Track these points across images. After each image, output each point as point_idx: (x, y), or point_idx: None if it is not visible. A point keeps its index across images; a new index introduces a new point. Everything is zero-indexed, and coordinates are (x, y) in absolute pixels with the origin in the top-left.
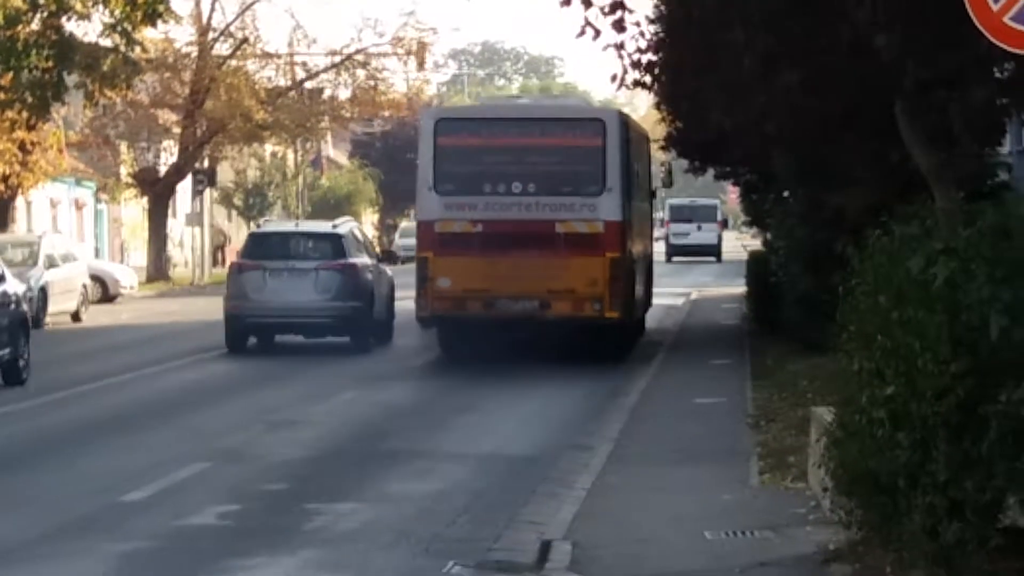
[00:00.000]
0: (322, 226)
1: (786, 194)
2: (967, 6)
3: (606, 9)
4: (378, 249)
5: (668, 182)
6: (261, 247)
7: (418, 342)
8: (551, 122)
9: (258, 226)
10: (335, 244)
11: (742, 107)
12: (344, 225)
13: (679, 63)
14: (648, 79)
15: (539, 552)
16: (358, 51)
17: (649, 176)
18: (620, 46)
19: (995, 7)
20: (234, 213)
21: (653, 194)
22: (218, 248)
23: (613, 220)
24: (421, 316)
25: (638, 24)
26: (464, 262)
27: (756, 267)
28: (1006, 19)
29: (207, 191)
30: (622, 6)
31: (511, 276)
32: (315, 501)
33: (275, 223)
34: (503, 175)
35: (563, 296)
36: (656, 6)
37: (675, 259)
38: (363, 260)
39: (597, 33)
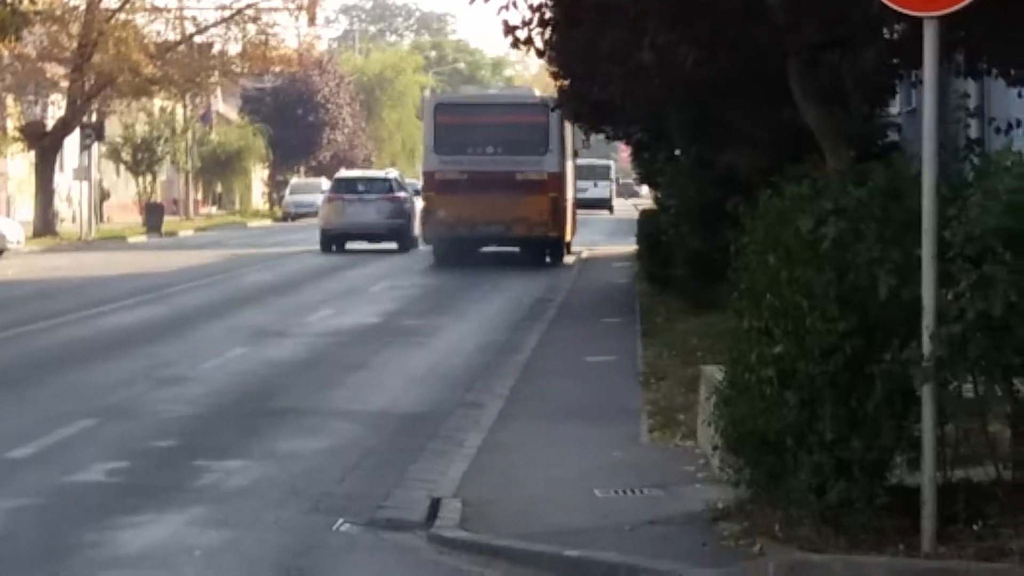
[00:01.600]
0: (379, 172)
1: (678, 153)
2: None
3: None
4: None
5: (586, 145)
6: (341, 185)
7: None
8: (510, 106)
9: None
10: (387, 184)
11: (633, 68)
12: (392, 172)
13: (570, 23)
14: (538, 39)
15: (429, 510)
16: (248, 5)
17: (573, 142)
18: (513, 5)
19: None
20: (122, 168)
21: (575, 154)
22: (99, 203)
23: (553, 171)
24: (425, 236)
25: None
26: (454, 199)
27: (647, 225)
28: None
29: (95, 146)
30: None
31: (486, 209)
32: (204, 458)
33: (348, 172)
34: (480, 140)
35: (521, 221)
36: None
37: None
38: (404, 194)
39: None
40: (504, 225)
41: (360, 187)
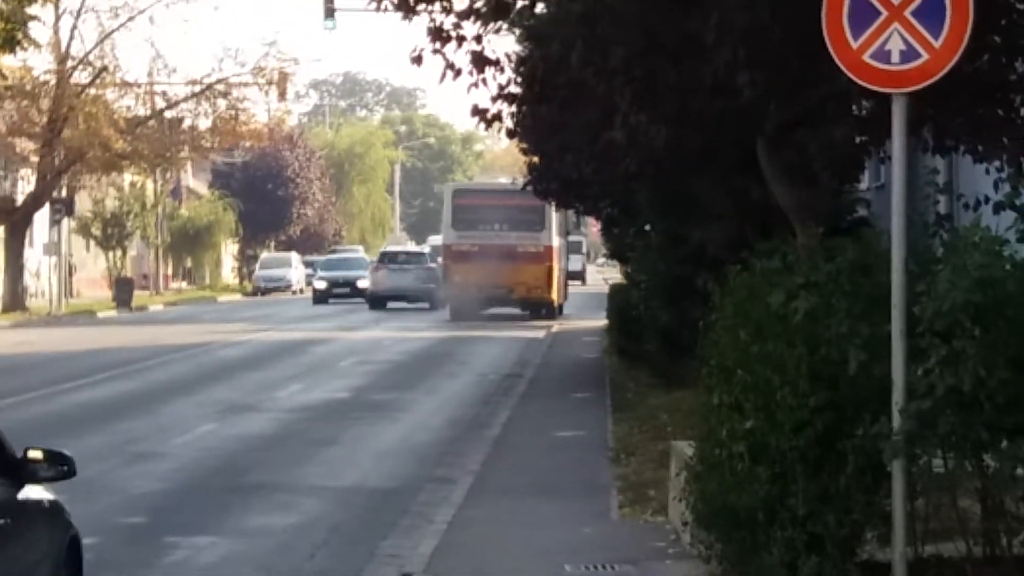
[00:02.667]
0: (415, 247)
1: (648, 228)
2: (827, 44)
3: (470, 55)
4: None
5: (577, 226)
6: (386, 257)
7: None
8: (513, 192)
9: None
10: (422, 256)
11: (604, 146)
12: (426, 247)
13: (539, 101)
14: (508, 116)
15: None
16: (219, 80)
17: (564, 222)
18: (482, 82)
19: (855, 45)
20: (92, 243)
21: (567, 233)
22: (68, 278)
23: (548, 245)
24: (444, 297)
25: (498, 63)
26: (467, 267)
27: (617, 300)
28: (865, 57)
29: (65, 220)
30: (485, 60)
31: (493, 275)
32: (173, 534)
33: (390, 245)
34: (489, 219)
35: (521, 285)
36: (517, 56)
37: None
38: (434, 265)
39: (457, 73)
40: (508, 288)
41: (400, 259)
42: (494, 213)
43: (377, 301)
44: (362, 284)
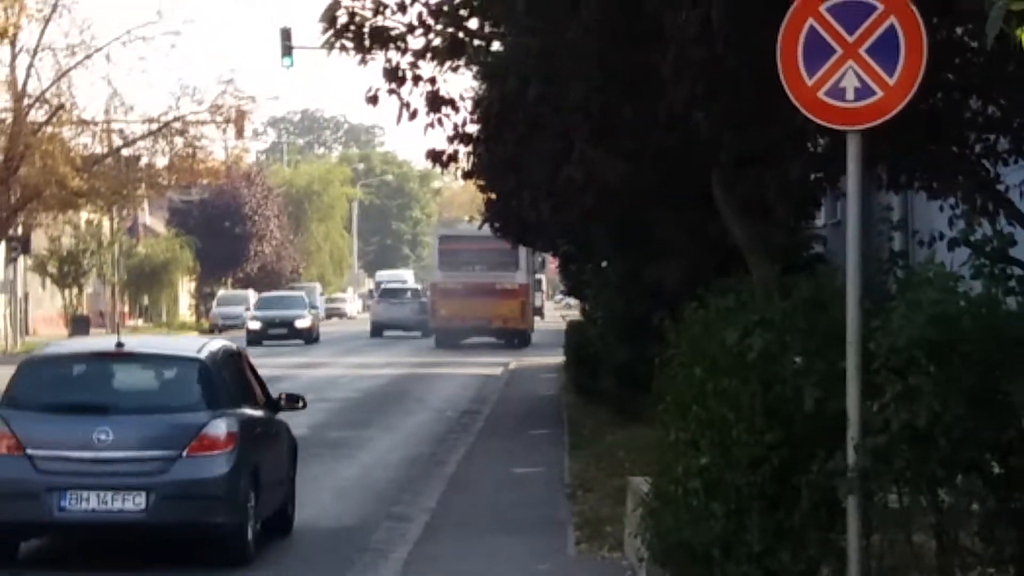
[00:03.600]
0: (411, 284)
1: (604, 264)
2: (783, 81)
3: (425, 96)
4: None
5: (542, 265)
6: (386, 292)
7: None
8: (492, 239)
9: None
10: (417, 291)
11: (561, 184)
12: (420, 286)
13: (496, 140)
14: (464, 156)
15: None
16: (176, 118)
17: (533, 262)
18: (438, 122)
19: (810, 82)
20: (48, 280)
21: (535, 272)
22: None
23: (522, 283)
24: (431, 327)
25: (454, 103)
26: (451, 301)
27: (575, 337)
28: (820, 94)
29: (21, 258)
30: (441, 100)
31: (473, 308)
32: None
33: (390, 284)
34: (470, 261)
35: (499, 317)
36: (473, 95)
37: None
38: (426, 299)
39: (413, 114)
40: (487, 319)
41: (398, 294)
42: (475, 256)
43: (377, 328)
44: (301, 324)
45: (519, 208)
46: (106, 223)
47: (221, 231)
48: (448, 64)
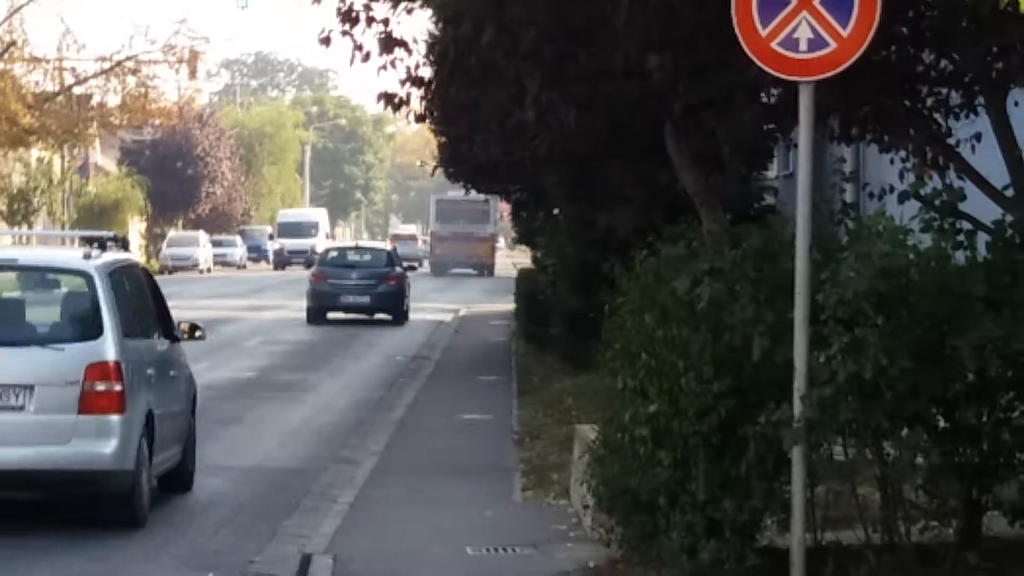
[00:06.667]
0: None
1: (556, 212)
2: (736, 31)
3: (378, 38)
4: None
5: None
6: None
7: None
8: (472, 201)
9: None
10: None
11: (513, 127)
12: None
13: (449, 83)
14: (417, 99)
15: (299, 566)
16: (129, 58)
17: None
18: (391, 64)
19: (763, 33)
20: None
21: (498, 223)
22: None
23: (492, 232)
24: (430, 263)
25: (407, 46)
26: (444, 244)
27: (525, 284)
28: (774, 45)
29: None
30: (394, 41)
31: (458, 250)
32: (72, 510)
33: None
34: (456, 217)
35: (475, 257)
36: (428, 37)
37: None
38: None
39: (366, 56)
40: (466, 257)
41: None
42: (460, 213)
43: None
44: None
45: (471, 151)
46: (57, 161)
47: (173, 172)
48: (402, 5)
